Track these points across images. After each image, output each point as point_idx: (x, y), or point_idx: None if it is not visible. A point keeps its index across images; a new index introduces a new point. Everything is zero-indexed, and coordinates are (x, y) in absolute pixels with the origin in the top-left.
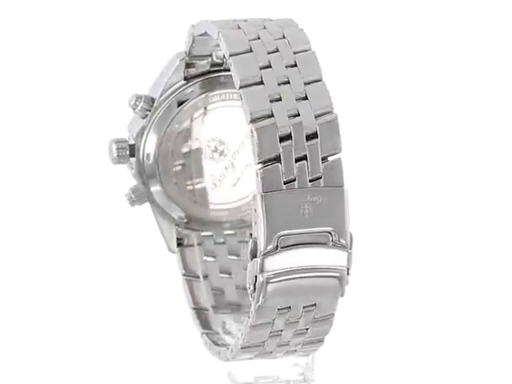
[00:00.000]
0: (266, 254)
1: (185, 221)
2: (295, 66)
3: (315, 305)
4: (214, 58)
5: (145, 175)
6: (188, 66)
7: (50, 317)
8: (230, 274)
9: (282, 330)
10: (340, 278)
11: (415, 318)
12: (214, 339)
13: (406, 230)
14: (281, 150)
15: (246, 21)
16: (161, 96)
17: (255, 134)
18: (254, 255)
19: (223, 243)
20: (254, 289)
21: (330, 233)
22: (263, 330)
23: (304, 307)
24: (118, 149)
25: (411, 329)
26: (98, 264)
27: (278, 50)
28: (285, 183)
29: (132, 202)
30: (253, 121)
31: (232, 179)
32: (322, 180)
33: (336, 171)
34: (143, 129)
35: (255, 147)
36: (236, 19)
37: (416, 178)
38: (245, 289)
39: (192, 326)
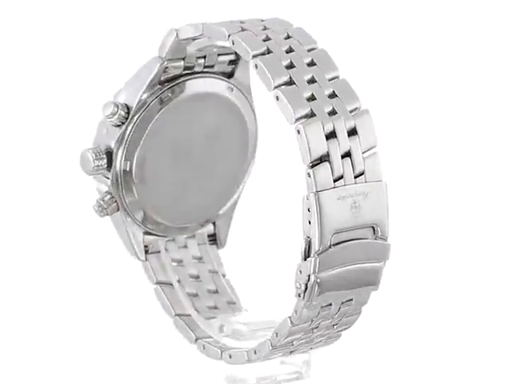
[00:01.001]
0: (320, 254)
1: (153, 227)
2: (315, 64)
3: (352, 299)
4: (186, 62)
5: (121, 184)
6: (163, 70)
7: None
8: (197, 277)
9: (315, 328)
10: (379, 272)
11: (416, 317)
12: (211, 343)
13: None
14: (328, 148)
15: (242, 22)
16: (138, 103)
17: (304, 133)
18: (307, 255)
19: (185, 247)
20: (306, 288)
21: (373, 227)
22: (301, 329)
23: (342, 303)
24: (96, 159)
25: (411, 328)
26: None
27: (293, 50)
28: (334, 181)
29: (102, 211)
30: (298, 120)
31: (197, 183)
32: (364, 175)
33: (375, 166)
34: (122, 137)
35: (305, 147)
36: (232, 20)
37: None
38: (215, 292)
39: (177, 333)
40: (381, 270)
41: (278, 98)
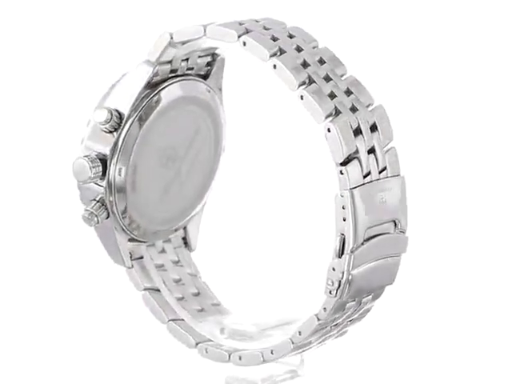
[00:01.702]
0: (355, 251)
1: (136, 233)
2: (324, 62)
3: (371, 294)
4: (172, 65)
5: (114, 190)
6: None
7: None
8: (179, 281)
9: (334, 325)
10: (398, 265)
11: (415, 315)
12: (214, 346)
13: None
14: (357, 145)
15: (241, 23)
16: (131, 109)
17: (335, 131)
18: (341, 252)
19: (163, 251)
20: (338, 286)
21: (394, 221)
22: (324, 326)
23: (363, 297)
24: (93, 167)
25: (411, 326)
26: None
27: (302, 48)
28: (363, 177)
29: (93, 219)
30: (327, 118)
31: (177, 186)
32: (386, 171)
33: (395, 160)
34: (116, 144)
35: (337, 145)
36: (231, 21)
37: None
38: (198, 295)
39: (169, 339)
40: (399, 263)
41: (302, 98)
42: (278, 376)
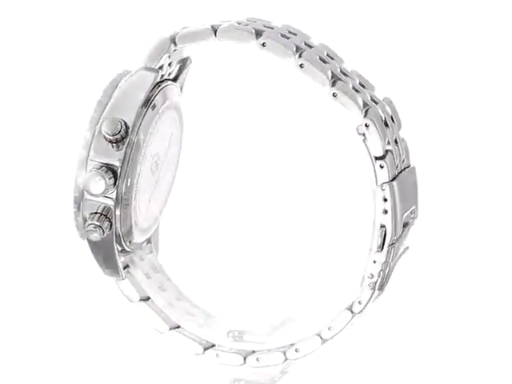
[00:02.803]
0: (395, 242)
1: (128, 243)
2: (332, 58)
3: None
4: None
5: (121, 201)
6: None
7: None
8: (161, 287)
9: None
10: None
11: (413, 316)
12: (224, 350)
13: None
14: (388, 138)
15: (240, 23)
16: (136, 118)
17: (374, 126)
18: (382, 245)
19: (142, 259)
20: (378, 278)
21: (411, 211)
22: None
23: None
24: (109, 179)
25: (408, 326)
26: None
27: (311, 46)
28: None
29: (98, 231)
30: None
31: (157, 191)
32: (404, 161)
33: (407, 150)
34: (124, 155)
35: (377, 139)
36: (232, 24)
37: None
38: (179, 299)
39: (175, 347)
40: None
41: (335, 95)
42: (276, 376)
